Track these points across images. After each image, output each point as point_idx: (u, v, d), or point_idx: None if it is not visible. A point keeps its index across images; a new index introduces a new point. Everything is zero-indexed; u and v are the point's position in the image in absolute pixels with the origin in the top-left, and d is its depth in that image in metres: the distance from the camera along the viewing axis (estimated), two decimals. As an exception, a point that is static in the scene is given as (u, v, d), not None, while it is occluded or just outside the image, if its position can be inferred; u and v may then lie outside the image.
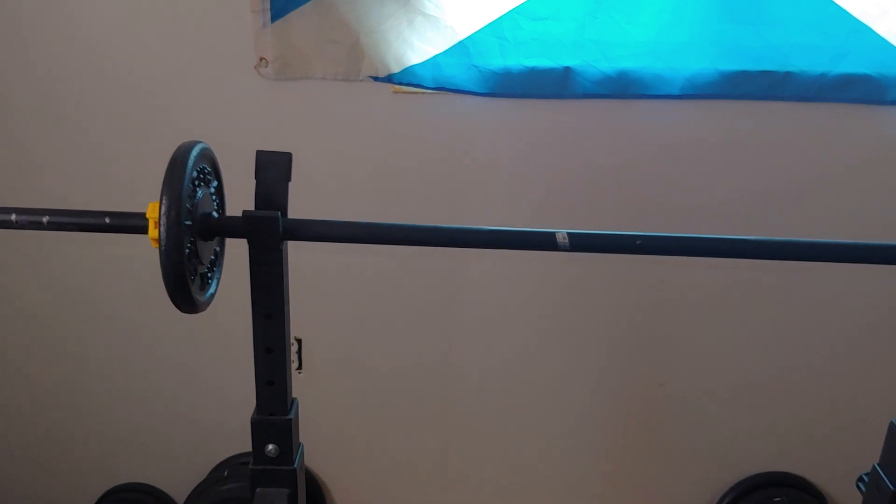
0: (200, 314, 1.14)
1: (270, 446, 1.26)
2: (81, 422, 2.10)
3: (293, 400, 1.29)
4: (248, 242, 1.14)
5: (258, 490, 1.28)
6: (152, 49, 1.75)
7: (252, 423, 1.25)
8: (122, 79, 1.77)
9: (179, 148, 1.05)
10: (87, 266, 1.95)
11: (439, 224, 1.19)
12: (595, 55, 1.75)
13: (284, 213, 1.15)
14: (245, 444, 2.06)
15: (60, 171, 1.85)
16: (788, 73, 1.75)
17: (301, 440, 1.33)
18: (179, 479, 2.13)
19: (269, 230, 1.13)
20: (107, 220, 1.10)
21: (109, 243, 1.86)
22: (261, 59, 1.74)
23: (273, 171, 1.15)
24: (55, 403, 2.08)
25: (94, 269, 1.95)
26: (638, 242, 1.14)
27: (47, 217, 1.09)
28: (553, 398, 2.08)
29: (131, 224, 1.09)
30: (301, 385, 1.87)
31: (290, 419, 1.25)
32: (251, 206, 1.14)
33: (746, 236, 1.19)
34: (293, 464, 1.27)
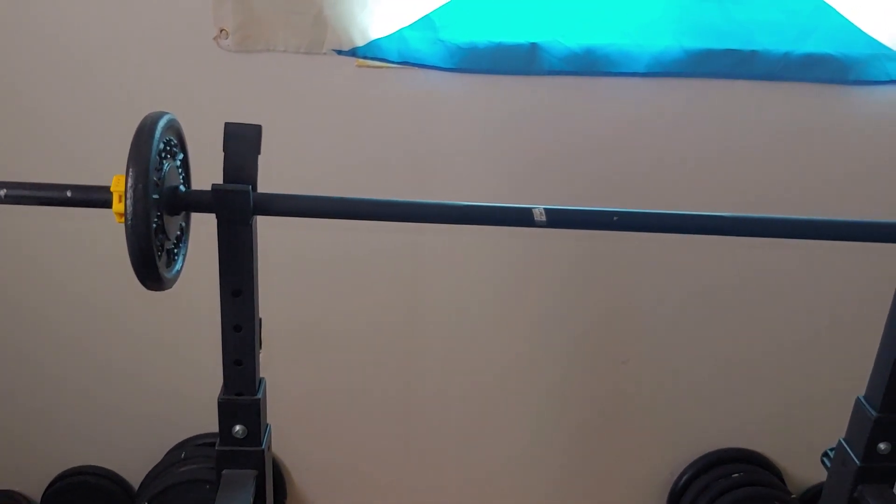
0: (156, 294, 1.10)
1: (238, 427, 1.23)
2: (33, 404, 2.04)
3: (261, 379, 1.26)
4: (217, 217, 1.11)
5: (225, 472, 1.25)
6: (109, 20, 1.69)
7: (219, 403, 1.22)
8: (79, 52, 1.71)
9: (146, 118, 1.01)
10: (34, 249, 1.88)
11: (407, 199, 1.17)
12: (562, 31, 1.74)
13: (254, 186, 1.12)
14: (202, 426, 2.06)
15: (17, 145, 1.77)
16: (753, 52, 1.76)
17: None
18: (134, 462, 2.08)
19: (240, 205, 1.09)
20: (69, 194, 1.05)
21: (55, 225, 1.82)
22: (220, 31, 1.69)
23: (242, 143, 1.12)
24: (4, 384, 2.01)
25: (40, 252, 1.88)
26: (615, 219, 1.13)
27: (5, 190, 1.04)
28: (515, 376, 2.08)
29: (95, 198, 1.04)
30: (260, 365, 1.84)
31: (259, 399, 1.23)
32: (210, 183, 1.11)
33: (720, 213, 1.19)
34: (261, 445, 1.25)
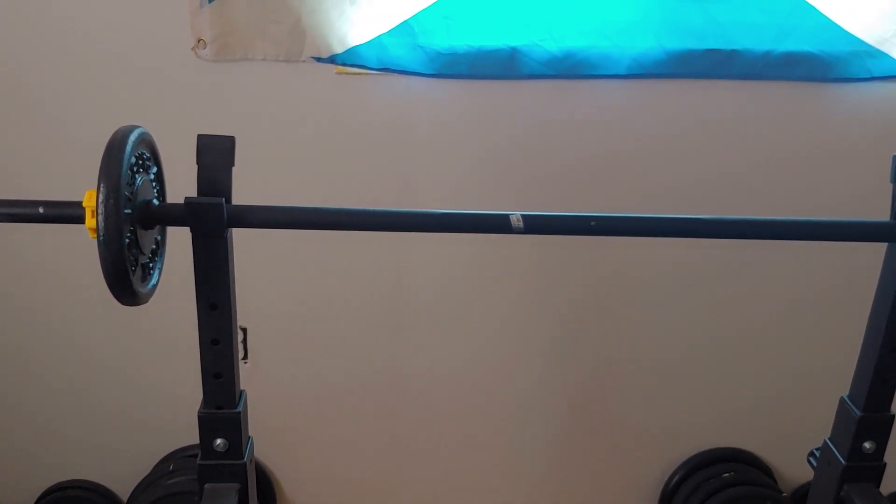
0: (139, 307, 1.09)
1: (219, 441, 1.22)
2: (19, 418, 2.03)
3: (241, 392, 1.25)
4: (192, 231, 1.10)
5: (207, 486, 1.24)
6: (85, 30, 1.68)
7: (199, 417, 1.21)
8: (54, 63, 1.70)
9: (116, 133, 1.00)
10: (21, 257, 1.87)
11: (386, 208, 1.17)
12: (541, 35, 1.73)
13: (228, 199, 1.11)
14: (190, 438, 2.05)
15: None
16: (734, 52, 1.75)
17: (250, 432, 1.29)
18: (123, 475, 2.07)
19: (213, 217, 1.09)
20: (41, 210, 1.05)
21: (42, 234, 1.80)
22: (199, 41, 1.68)
23: (215, 155, 1.11)
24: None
25: (28, 261, 1.87)
26: (592, 224, 1.13)
27: (-24, 208, 1.04)
28: (503, 380, 2.07)
29: (67, 214, 1.04)
30: (246, 375, 1.83)
31: (239, 412, 1.22)
32: (191, 194, 1.10)
33: (700, 216, 1.18)
34: (243, 458, 1.24)
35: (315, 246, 1.87)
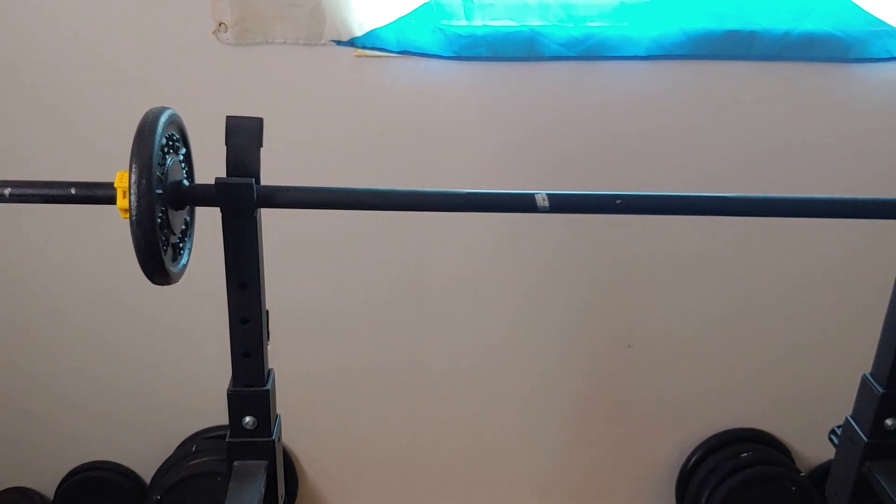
0: (163, 288, 1.10)
1: (248, 418, 1.24)
2: (44, 401, 2.05)
3: (269, 371, 1.26)
4: (222, 211, 1.11)
5: (236, 463, 1.26)
6: (106, 16, 1.69)
7: (229, 395, 1.23)
8: (79, 48, 1.71)
9: (148, 114, 1.01)
10: (49, 238, 1.89)
11: (411, 188, 1.18)
12: (562, 16, 1.74)
13: (257, 179, 1.12)
14: (212, 419, 2.06)
15: (19, 143, 1.78)
16: (753, 32, 1.75)
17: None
18: (146, 456, 2.09)
19: (244, 197, 1.10)
20: (73, 191, 1.06)
21: (72, 215, 1.82)
22: (219, 24, 1.69)
23: (244, 136, 1.12)
24: (16, 381, 2.03)
25: (55, 241, 1.89)
26: (618, 202, 1.13)
27: (9, 189, 1.05)
28: (522, 362, 2.08)
29: (99, 194, 1.05)
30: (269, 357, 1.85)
31: (268, 390, 1.23)
32: (213, 176, 1.11)
33: (724, 194, 1.19)
34: (271, 435, 1.26)
35: (336, 228, 1.89)
